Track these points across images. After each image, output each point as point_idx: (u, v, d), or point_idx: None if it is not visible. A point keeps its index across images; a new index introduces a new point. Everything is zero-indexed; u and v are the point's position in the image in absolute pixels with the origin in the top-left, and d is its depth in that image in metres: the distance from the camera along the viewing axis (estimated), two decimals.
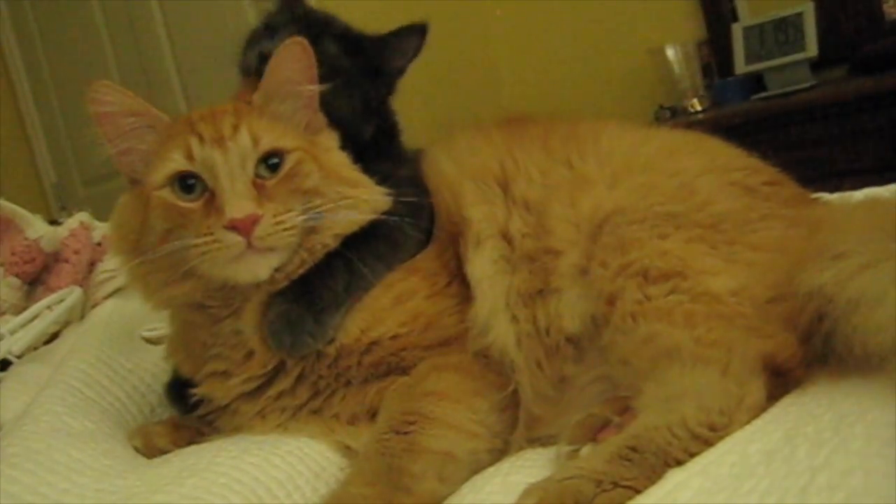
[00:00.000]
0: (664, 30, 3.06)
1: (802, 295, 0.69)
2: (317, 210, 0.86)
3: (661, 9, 3.10)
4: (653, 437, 0.66)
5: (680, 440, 0.65)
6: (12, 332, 1.24)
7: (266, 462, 0.78)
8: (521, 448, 0.82)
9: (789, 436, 0.60)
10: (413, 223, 0.92)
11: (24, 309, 1.34)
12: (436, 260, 0.92)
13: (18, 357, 1.20)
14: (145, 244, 0.87)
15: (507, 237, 0.89)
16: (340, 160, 0.93)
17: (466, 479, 0.77)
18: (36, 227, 1.43)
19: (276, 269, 0.86)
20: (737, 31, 2.81)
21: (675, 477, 0.61)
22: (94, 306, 1.40)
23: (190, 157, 0.85)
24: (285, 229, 0.84)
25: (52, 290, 1.37)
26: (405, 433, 0.76)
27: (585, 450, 0.74)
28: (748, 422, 0.65)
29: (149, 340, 1.14)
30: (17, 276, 1.40)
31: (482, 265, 0.88)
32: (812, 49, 2.62)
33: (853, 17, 2.74)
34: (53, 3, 3.42)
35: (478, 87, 3.36)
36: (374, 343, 0.87)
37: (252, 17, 2.82)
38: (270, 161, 0.86)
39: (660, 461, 0.64)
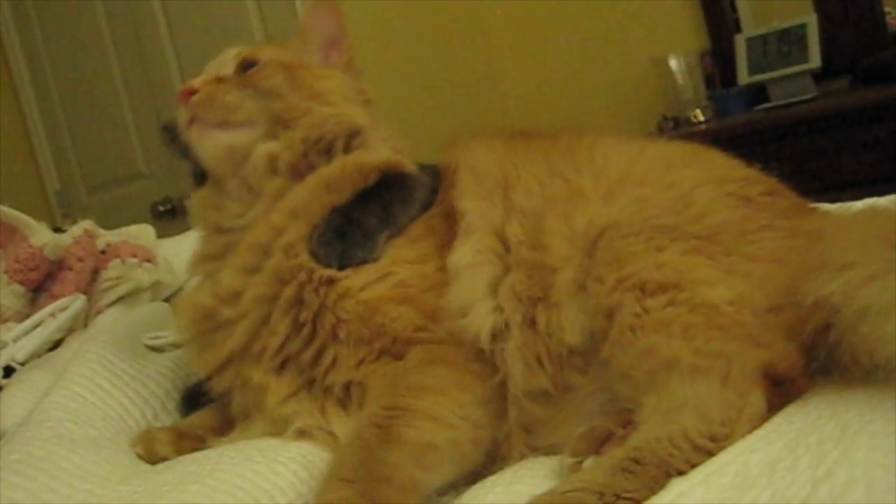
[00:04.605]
0: (667, 40, 3.07)
1: (808, 305, 0.69)
2: (277, 111, 0.96)
3: (664, 19, 3.10)
4: (654, 449, 0.66)
5: (682, 451, 0.65)
6: (16, 340, 1.24)
7: (268, 469, 0.77)
8: (523, 456, 0.82)
9: (791, 446, 0.60)
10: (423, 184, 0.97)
11: (28, 316, 1.34)
12: (443, 222, 0.94)
13: (22, 364, 1.20)
14: None
15: (501, 237, 0.89)
16: (330, 87, 1.01)
17: (450, 470, 0.77)
18: (40, 235, 1.44)
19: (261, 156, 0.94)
20: (740, 41, 2.81)
21: (677, 487, 0.61)
22: (97, 314, 1.40)
23: None
24: (219, 104, 0.95)
25: (56, 298, 1.37)
26: (385, 427, 0.76)
27: (588, 462, 0.74)
28: (749, 432, 0.65)
29: (152, 348, 1.15)
30: (20, 283, 1.40)
31: (463, 254, 0.88)
32: (815, 60, 2.63)
33: (856, 29, 2.74)
34: (58, 9, 3.43)
35: (480, 99, 3.37)
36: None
37: (255, 19, 2.84)
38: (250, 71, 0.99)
39: (662, 472, 0.64)
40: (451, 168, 0.98)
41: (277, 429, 0.87)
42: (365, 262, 0.88)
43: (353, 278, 0.87)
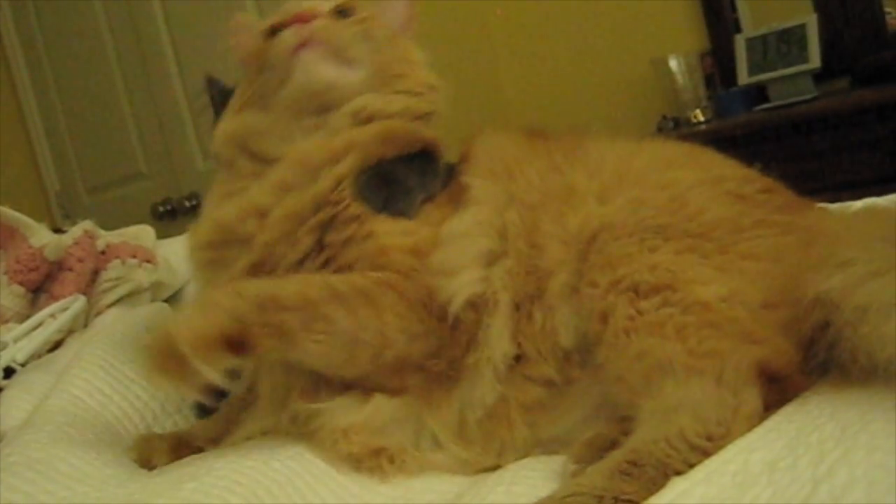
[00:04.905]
0: (667, 40, 3.07)
1: (807, 301, 0.68)
2: (380, 60, 0.96)
3: (664, 19, 3.11)
4: (651, 451, 0.65)
5: (679, 452, 0.65)
6: (16, 341, 1.24)
7: (265, 465, 0.77)
8: (526, 445, 0.81)
9: (792, 445, 0.59)
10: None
11: (28, 317, 1.34)
12: (457, 191, 0.94)
13: (22, 365, 1.20)
14: None
15: (503, 218, 0.88)
16: (419, 59, 1.03)
17: (337, 348, 0.78)
18: (40, 236, 1.44)
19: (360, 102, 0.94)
20: (739, 42, 2.81)
21: (678, 486, 0.60)
22: (97, 315, 1.41)
23: None
24: (339, 36, 0.93)
25: (56, 299, 1.37)
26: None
27: (591, 469, 0.74)
28: (746, 430, 0.65)
29: None
30: (21, 284, 1.40)
31: (462, 221, 0.87)
32: (815, 60, 2.63)
33: (856, 29, 2.74)
34: (58, 9, 3.43)
35: (480, 99, 3.37)
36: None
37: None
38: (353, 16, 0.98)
39: (660, 473, 0.64)
40: (466, 150, 0.99)
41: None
42: (403, 214, 0.89)
43: (383, 224, 0.87)
